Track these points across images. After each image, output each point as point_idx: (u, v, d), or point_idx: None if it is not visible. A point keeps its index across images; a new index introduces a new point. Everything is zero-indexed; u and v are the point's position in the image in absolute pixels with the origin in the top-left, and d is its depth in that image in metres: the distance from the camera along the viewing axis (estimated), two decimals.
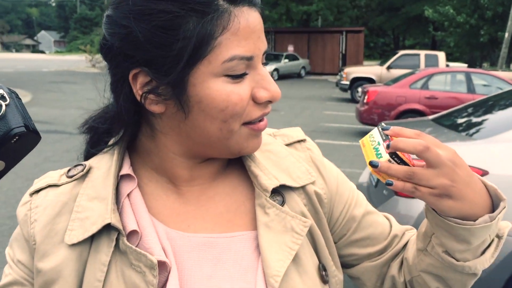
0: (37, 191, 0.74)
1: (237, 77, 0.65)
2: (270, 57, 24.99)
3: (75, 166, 0.76)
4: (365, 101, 9.25)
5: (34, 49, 75.59)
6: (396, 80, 10.18)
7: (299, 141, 0.81)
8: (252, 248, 0.70)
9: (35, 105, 13.00)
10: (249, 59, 0.65)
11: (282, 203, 0.72)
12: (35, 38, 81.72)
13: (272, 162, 0.76)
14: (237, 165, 0.77)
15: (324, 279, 0.73)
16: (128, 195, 0.71)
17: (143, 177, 0.74)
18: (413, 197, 2.85)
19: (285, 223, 0.71)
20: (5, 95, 0.58)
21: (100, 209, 0.68)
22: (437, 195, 0.64)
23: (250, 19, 0.64)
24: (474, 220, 0.66)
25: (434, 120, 4.31)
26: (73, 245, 0.67)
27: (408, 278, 0.78)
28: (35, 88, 16.85)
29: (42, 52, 72.60)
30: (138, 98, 0.67)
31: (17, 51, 74.36)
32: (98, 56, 31.68)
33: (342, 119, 11.31)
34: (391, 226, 0.84)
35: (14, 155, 0.58)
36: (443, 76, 9.69)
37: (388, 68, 15.45)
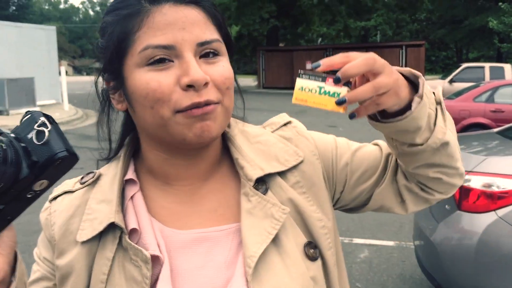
0: (55, 198, 0.85)
1: (156, 63, 0.70)
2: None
3: (88, 173, 0.86)
4: None
5: None
6: (459, 93, 9.87)
7: (285, 124, 0.87)
8: (239, 238, 0.76)
9: None
10: (167, 47, 0.70)
11: (265, 191, 0.78)
12: None
13: (261, 152, 0.82)
14: (227, 160, 0.83)
15: (312, 256, 0.77)
16: (132, 197, 0.79)
17: (144, 181, 0.81)
18: (476, 212, 2.75)
19: (266, 210, 0.76)
20: (46, 122, 0.63)
21: (106, 210, 0.76)
22: (394, 95, 0.68)
23: (168, 14, 0.71)
24: (410, 108, 0.70)
25: (499, 132, 4.17)
26: (84, 242, 0.77)
27: (413, 179, 0.83)
28: None
29: None
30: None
31: (87, 74, 78.63)
32: None
33: None
34: (381, 148, 0.88)
35: (56, 174, 0.64)
36: (510, 88, 9.28)
37: (451, 81, 14.99)
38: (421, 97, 0.70)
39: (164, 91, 0.70)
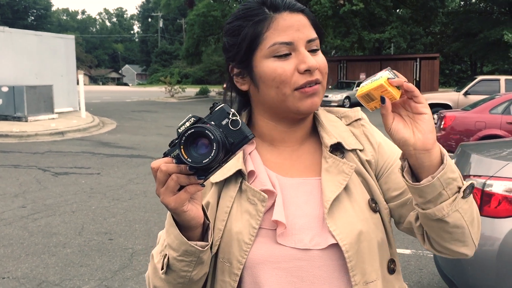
0: None
1: (281, 56, 0.97)
2: (342, 85, 24.95)
3: None
4: (442, 126, 9.02)
5: (119, 81, 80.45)
6: (474, 105, 9.83)
7: (356, 120, 1.11)
8: None
9: (120, 132, 13.91)
10: (288, 44, 0.97)
11: (342, 157, 1.04)
12: (120, 71, 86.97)
13: (335, 131, 1.08)
14: (316, 135, 1.10)
15: (373, 209, 1.02)
16: (250, 153, 1.05)
17: (256, 143, 1.08)
18: (498, 217, 2.74)
19: (339, 168, 1.02)
20: (235, 112, 0.83)
21: (233, 161, 1.00)
22: (420, 120, 0.89)
23: (287, 19, 0.98)
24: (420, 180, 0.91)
25: None
26: (216, 183, 1.03)
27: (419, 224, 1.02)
28: (119, 116, 18.05)
29: (126, 84, 76.92)
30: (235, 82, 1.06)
31: (103, 83, 79.53)
32: (177, 87, 33.30)
33: None
34: None
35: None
36: None
37: (466, 94, 14.92)
38: (433, 178, 0.87)
39: (287, 75, 0.98)
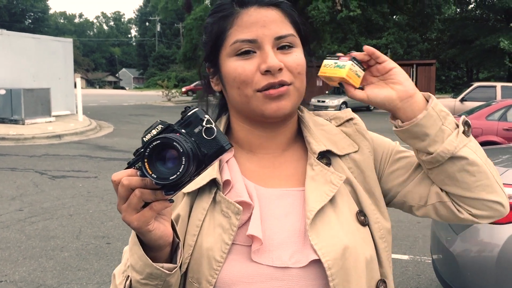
0: None
1: (242, 54, 0.90)
2: (338, 90, 25.01)
3: None
4: None
5: (116, 85, 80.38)
6: (471, 111, 9.88)
7: (347, 120, 1.02)
8: None
9: (117, 135, 13.89)
10: (251, 41, 0.89)
11: (328, 165, 0.96)
12: (117, 75, 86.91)
13: (325, 136, 0.99)
14: (301, 138, 1.01)
15: (362, 222, 0.93)
16: (227, 162, 0.96)
17: (234, 150, 0.99)
18: (497, 223, 2.75)
19: (326, 177, 0.94)
20: (210, 119, 0.73)
21: (209, 170, 0.87)
22: (406, 95, 0.88)
23: (253, 14, 0.91)
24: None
25: None
26: (188, 193, 0.93)
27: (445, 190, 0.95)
28: (116, 120, 18.03)
29: (123, 88, 76.91)
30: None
31: (100, 87, 79.40)
32: (174, 91, 33.30)
33: None
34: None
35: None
36: None
37: (462, 100, 15.00)
38: (427, 109, 0.86)
39: (247, 75, 0.90)
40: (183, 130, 0.71)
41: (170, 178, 0.66)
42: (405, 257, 4.72)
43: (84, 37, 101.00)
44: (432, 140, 0.86)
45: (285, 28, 0.92)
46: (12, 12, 77.03)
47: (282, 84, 0.89)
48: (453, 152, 0.86)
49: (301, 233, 0.90)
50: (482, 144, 8.57)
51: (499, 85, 15.28)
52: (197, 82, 52.03)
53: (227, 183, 0.93)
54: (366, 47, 0.89)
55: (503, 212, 0.92)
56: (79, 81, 16.11)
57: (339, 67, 0.88)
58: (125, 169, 0.74)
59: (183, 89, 48.67)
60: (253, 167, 0.98)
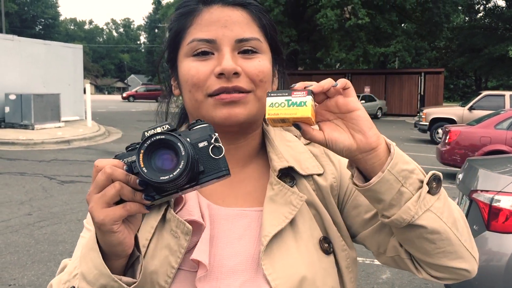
0: None
1: (199, 55, 0.82)
2: None
3: None
4: (446, 141, 9.01)
5: (124, 91, 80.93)
6: (479, 120, 9.83)
7: None
8: None
9: (125, 141, 13.93)
10: (209, 41, 0.82)
11: (292, 184, 0.86)
12: (126, 81, 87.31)
13: (290, 153, 0.89)
14: (264, 155, 0.92)
15: (325, 250, 0.84)
16: None
17: None
18: (506, 232, 2.74)
19: (286, 197, 0.84)
20: (218, 138, 0.68)
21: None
22: (354, 118, 0.73)
23: (214, 13, 0.83)
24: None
25: None
26: None
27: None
28: (125, 126, 18.13)
29: None
30: None
31: (109, 93, 79.88)
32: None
33: (421, 160, 11.03)
34: None
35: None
36: None
37: (471, 109, 14.92)
38: (383, 172, 0.73)
39: (200, 78, 0.82)
40: (188, 139, 0.66)
41: (161, 177, 0.62)
42: None
43: (93, 43, 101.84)
44: (388, 205, 0.75)
45: (250, 31, 0.84)
46: (23, 18, 77.93)
47: (237, 90, 0.81)
48: (409, 221, 0.74)
49: (254, 260, 0.81)
50: (490, 153, 8.56)
51: (507, 94, 15.18)
52: (139, 87, 51.30)
53: (179, 200, 0.84)
54: (343, 80, 0.73)
55: (468, 276, 0.82)
56: (88, 87, 16.24)
57: (296, 104, 0.71)
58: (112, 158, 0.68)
59: (124, 95, 47.64)
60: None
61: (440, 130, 10.19)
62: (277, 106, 0.72)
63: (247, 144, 0.90)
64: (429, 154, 11.98)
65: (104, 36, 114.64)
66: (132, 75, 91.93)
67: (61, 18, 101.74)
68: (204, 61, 0.82)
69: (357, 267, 0.90)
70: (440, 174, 0.79)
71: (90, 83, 18.54)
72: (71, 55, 17.59)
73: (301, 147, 0.91)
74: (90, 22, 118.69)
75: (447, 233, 0.77)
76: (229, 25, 0.82)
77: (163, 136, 0.63)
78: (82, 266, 0.72)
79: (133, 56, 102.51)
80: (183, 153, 0.62)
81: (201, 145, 0.67)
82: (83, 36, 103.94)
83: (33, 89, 15.02)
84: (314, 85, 0.72)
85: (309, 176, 0.88)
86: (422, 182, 0.76)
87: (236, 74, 0.81)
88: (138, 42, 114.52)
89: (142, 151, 0.63)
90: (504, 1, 36.02)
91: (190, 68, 0.83)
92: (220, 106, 0.82)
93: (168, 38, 0.88)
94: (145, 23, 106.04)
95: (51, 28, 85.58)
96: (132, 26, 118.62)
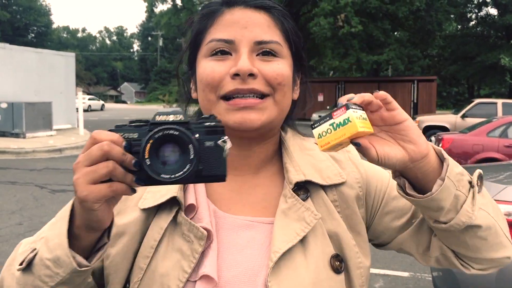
0: None
1: (217, 54, 0.81)
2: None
3: None
4: None
5: (117, 99, 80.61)
6: (472, 128, 9.89)
7: None
8: None
9: None
10: (228, 42, 0.81)
11: (306, 198, 0.83)
12: (118, 89, 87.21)
13: (309, 162, 0.86)
14: (279, 161, 0.89)
15: (336, 268, 0.80)
16: None
17: None
18: None
19: (299, 213, 0.81)
20: (227, 141, 0.65)
21: (170, 186, 0.80)
22: (402, 129, 0.72)
23: (236, 14, 0.82)
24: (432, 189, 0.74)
25: None
26: (144, 209, 0.82)
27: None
28: None
29: (124, 102, 77.18)
30: None
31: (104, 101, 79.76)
32: (175, 105, 33.34)
33: None
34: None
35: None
36: None
37: (463, 116, 15.00)
38: (443, 180, 0.73)
39: (214, 77, 0.80)
40: (197, 135, 0.64)
41: (161, 176, 0.60)
42: (406, 274, 4.68)
43: (86, 51, 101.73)
44: (447, 211, 0.75)
45: (270, 34, 0.82)
46: (15, 26, 77.72)
47: (252, 92, 0.79)
48: (469, 223, 0.75)
49: (253, 273, 0.78)
50: (483, 161, 8.60)
51: (500, 101, 15.28)
52: None
53: (192, 207, 0.82)
54: (378, 94, 0.71)
55: (508, 262, 0.85)
56: (80, 95, 16.18)
57: (341, 125, 0.69)
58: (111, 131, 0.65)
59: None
60: (220, 189, 0.86)
61: (433, 138, 10.22)
62: (324, 134, 0.70)
63: (262, 151, 0.87)
64: None
65: (97, 44, 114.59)
66: (125, 83, 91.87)
67: (54, 26, 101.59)
68: (221, 61, 0.81)
69: (369, 280, 0.88)
70: (481, 171, 0.81)
71: (83, 91, 18.47)
72: (63, 63, 17.55)
73: (322, 154, 0.89)
74: (83, 30, 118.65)
75: (495, 226, 0.79)
76: (249, 26, 0.81)
77: (177, 133, 0.61)
78: (49, 230, 0.72)
79: (126, 64, 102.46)
80: (191, 157, 0.61)
81: (207, 144, 0.64)
82: (76, 44, 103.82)
83: (25, 97, 14.95)
84: (355, 97, 0.71)
85: (331, 186, 0.85)
86: (470, 182, 0.77)
87: (252, 75, 0.79)
88: (131, 50, 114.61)
89: (151, 141, 0.60)
90: (496, 10, 36.41)
91: (206, 67, 0.81)
92: (233, 111, 0.79)
93: (189, 39, 0.88)
94: (138, 31, 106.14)
95: (43, 36, 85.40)
96: (125, 34, 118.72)
